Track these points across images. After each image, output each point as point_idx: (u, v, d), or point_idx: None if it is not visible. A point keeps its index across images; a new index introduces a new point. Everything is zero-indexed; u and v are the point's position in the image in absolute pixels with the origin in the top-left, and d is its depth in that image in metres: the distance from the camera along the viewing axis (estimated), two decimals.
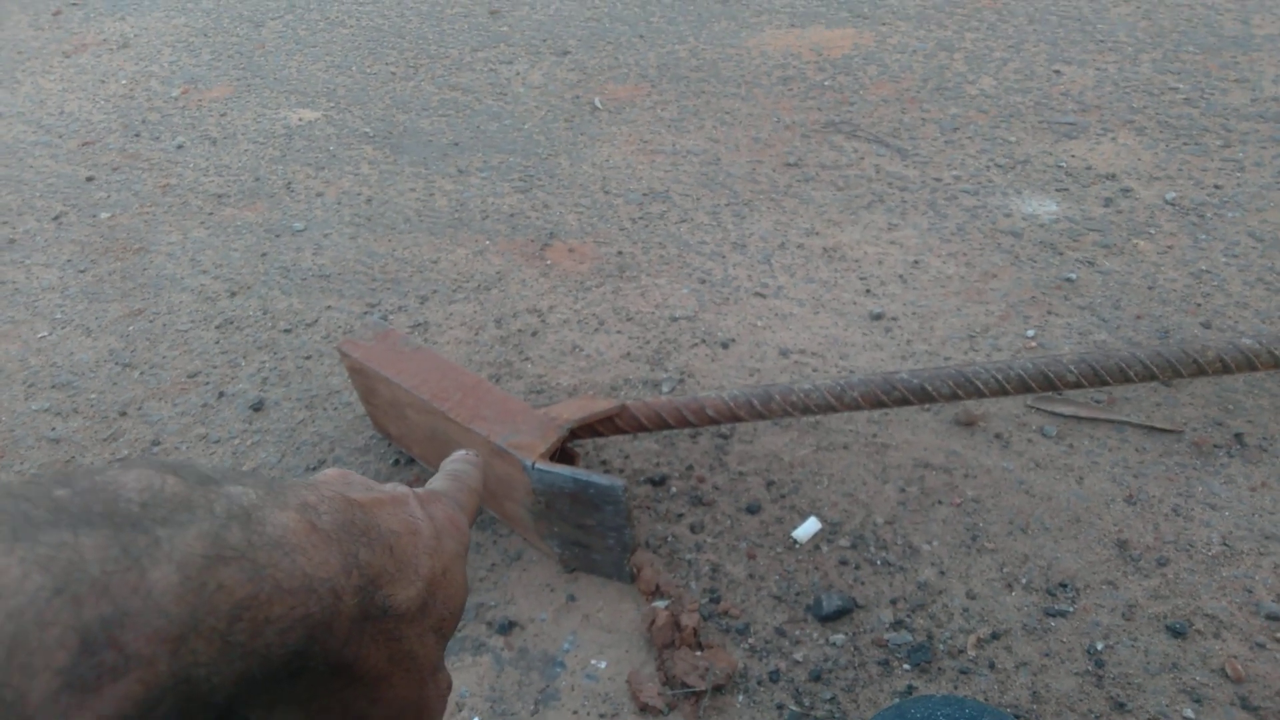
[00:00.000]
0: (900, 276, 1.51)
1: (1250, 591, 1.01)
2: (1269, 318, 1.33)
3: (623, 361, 1.43)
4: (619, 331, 1.49)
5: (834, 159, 1.85)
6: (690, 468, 1.25)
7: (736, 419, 1.20)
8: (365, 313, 1.59)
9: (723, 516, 1.17)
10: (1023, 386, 1.18)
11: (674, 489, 1.22)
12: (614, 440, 1.30)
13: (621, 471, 1.26)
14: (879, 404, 1.19)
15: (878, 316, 1.44)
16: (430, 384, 1.15)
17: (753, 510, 1.18)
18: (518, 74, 2.41)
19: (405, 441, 1.28)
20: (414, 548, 0.37)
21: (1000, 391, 1.18)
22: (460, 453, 0.52)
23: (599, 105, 2.19)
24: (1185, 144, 1.73)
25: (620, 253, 1.67)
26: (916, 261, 1.54)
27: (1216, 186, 1.60)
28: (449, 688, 0.41)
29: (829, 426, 1.28)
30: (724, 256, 1.63)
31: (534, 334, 1.50)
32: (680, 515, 1.18)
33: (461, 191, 1.92)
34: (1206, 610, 1.00)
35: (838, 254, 1.59)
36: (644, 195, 1.83)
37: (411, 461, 1.29)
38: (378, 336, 1.26)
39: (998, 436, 1.23)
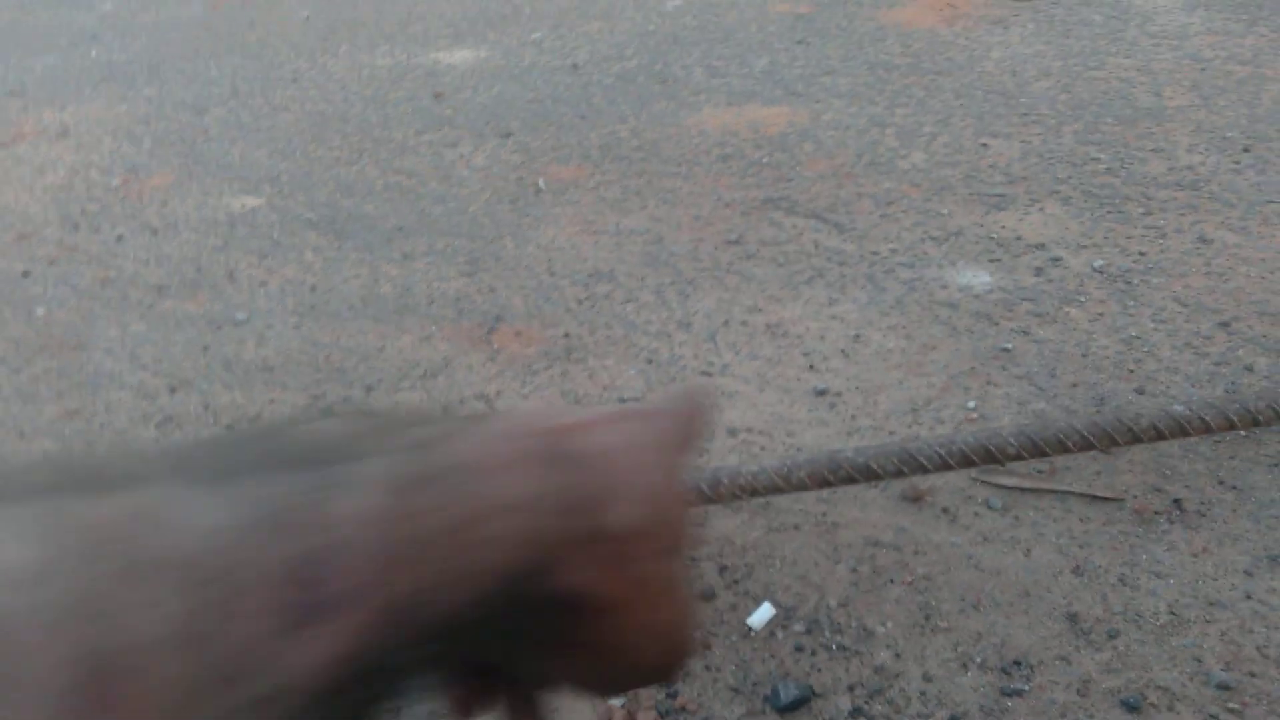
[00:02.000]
0: (842, 351, 1.54)
1: (1200, 661, 1.02)
2: (1198, 381, 1.37)
3: None
4: None
5: (774, 235, 1.89)
6: None
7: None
8: (309, 404, 1.57)
9: None
10: (965, 461, 1.20)
11: None
12: None
13: None
14: (825, 483, 1.20)
15: (822, 392, 1.45)
16: None
17: (707, 597, 1.16)
18: (462, 156, 2.43)
19: None
20: (629, 464, 0.34)
21: (944, 466, 1.20)
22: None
23: (542, 186, 2.21)
24: (1109, 213, 1.80)
25: (567, 335, 1.68)
26: (857, 336, 1.56)
27: (1141, 253, 1.66)
28: (693, 605, 0.39)
29: (779, 507, 1.28)
30: (670, 335, 1.64)
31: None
32: None
33: (407, 277, 1.92)
34: (1159, 682, 1.00)
35: (781, 330, 1.61)
36: (589, 276, 1.84)
37: None
38: None
39: (945, 511, 1.24)
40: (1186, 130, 2.07)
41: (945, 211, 1.88)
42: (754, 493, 1.19)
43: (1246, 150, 1.95)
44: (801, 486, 1.19)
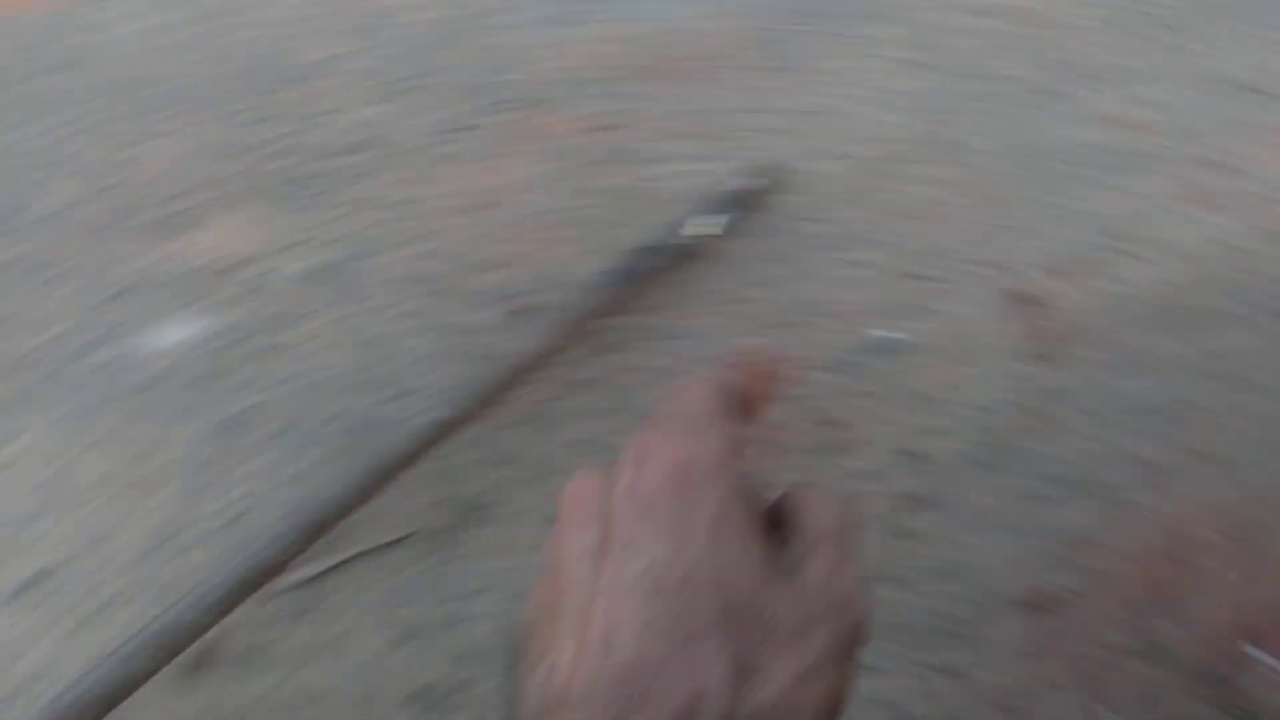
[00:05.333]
0: (42, 505, 1.16)
1: None
2: (436, 362, 1.32)
3: None
4: None
5: None
6: None
7: None
8: None
9: None
10: (241, 594, 0.98)
11: None
12: None
13: None
14: None
15: (28, 586, 1.08)
16: None
17: None
18: None
19: None
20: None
21: (222, 614, 0.97)
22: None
23: None
24: (298, 201, 1.64)
25: None
26: (57, 473, 1.19)
27: (342, 237, 1.55)
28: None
29: None
30: None
31: None
32: None
33: None
34: None
35: None
36: None
37: None
38: None
39: (250, 651, 1.01)
40: (340, 85, 1.98)
41: (124, 254, 1.53)
42: None
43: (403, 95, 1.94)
44: None
